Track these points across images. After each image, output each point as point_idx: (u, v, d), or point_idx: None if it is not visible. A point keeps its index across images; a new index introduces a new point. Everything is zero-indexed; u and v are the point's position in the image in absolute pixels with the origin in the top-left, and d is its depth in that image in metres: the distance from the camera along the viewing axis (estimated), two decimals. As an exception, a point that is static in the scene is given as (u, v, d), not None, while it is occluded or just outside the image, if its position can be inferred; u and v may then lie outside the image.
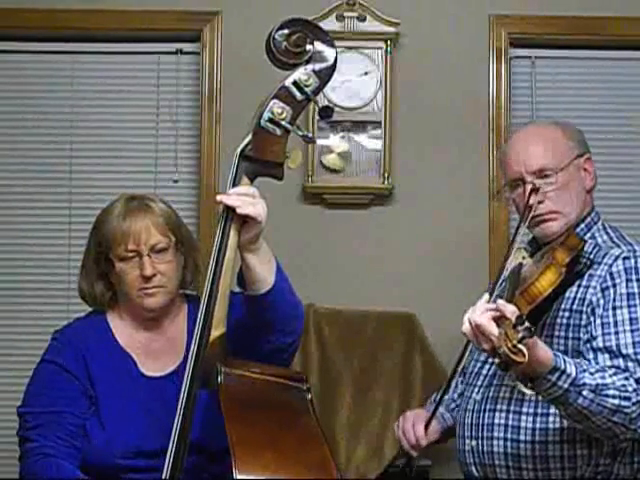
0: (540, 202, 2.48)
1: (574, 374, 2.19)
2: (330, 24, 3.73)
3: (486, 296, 2.23)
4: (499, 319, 2.11)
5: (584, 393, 2.20)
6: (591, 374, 2.23)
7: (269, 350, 2.34)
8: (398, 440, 2.67)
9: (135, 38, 3.96)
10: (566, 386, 2.18)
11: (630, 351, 2.30)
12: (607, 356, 2.30)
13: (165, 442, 2.20)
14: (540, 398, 2.32)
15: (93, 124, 3.96)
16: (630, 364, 2.28)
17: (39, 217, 3.95)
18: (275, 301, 2.29)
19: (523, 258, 2.48)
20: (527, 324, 2.04)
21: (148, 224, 2.43)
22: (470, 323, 2.16)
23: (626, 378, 2.26)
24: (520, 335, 2.02)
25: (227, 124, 3.84)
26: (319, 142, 3.76)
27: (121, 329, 2.51)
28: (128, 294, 2.46)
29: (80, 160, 3.96)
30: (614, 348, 2.30)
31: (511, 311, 2.12)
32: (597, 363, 2.30)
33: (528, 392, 2.18)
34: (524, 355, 2.02)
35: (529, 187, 2.49)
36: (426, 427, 2.59)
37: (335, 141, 3.82)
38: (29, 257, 3.94)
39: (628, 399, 2.23)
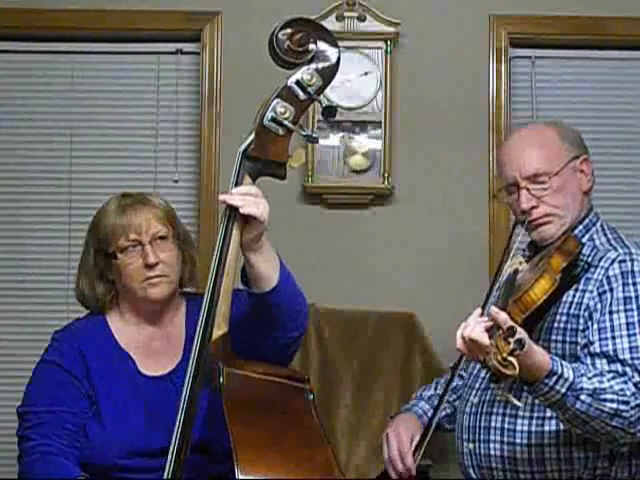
0: (535, 207, 2.48)
1: (572, 378, 2.19)
2: (330, 24, 3.71)
3: (478, 310, 2.23)
4: (491, 329, 2.11)
5: (582, 397, 2.20)
6: (589, 378, 2.23)
7: (274, 346, 2.35)
8: (385, 464, 2.61)
9: (135, 38, 3.95)
10: (564, 390, 2.18)
11: (627, 356, 2.29)
12: (604, 361, 2.30)
13: (164, 442, 2.21)
14: (537, 402, 2.32)
15: (93, 124, 3.96)
16: (627, 369, 2.28)
17: (39, 217, 3.94)
18: (280, 299, 2.29)
19: (520, 264, 2.47)
20: (518, 336, 2.03)
21: (148, 215, 2.46)
22: (463, 338, 2.16)
23: (624, 382, 2.26)
24: (511, 347, 2.02)
25: (227, 124, 3.83)
26: (323, 142, 3.75)
27: (121, 329, 2.52)
28: (131, 288, 2.47)
29: (80, 160, 3.95)
30: (611, 353, 2.30)
31: (503, 319, 2.12)
32: (595, 368, 2.29)
33: (518, 404, 2.17)
34: (514, 367, 2.01)
35: (524, 192, 2.49)
36: (415, 450, 2.55)
37: (360, 141, 3.81)
38: (29, 257, 3.93)
39: (626, 403, 2.23)
